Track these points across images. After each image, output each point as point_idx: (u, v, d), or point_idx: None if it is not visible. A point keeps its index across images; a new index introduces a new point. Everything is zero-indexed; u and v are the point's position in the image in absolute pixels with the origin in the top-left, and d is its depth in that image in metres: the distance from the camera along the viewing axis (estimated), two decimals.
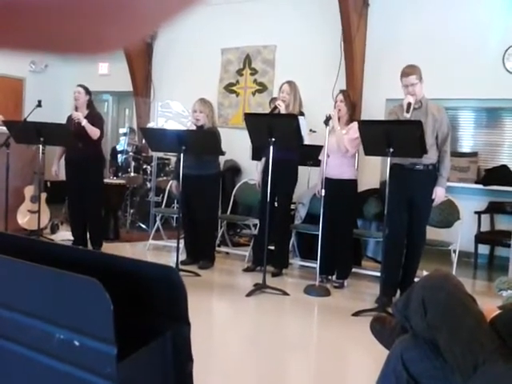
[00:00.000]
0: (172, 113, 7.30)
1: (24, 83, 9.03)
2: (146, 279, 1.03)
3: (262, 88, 7.35)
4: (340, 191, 4.55)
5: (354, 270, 4.91)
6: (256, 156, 5.68)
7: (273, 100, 5.65)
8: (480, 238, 5.79)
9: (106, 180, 6.07)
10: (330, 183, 4.50)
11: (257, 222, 5.36)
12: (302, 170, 5.42)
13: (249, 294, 4.28)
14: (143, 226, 6.81)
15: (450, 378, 1.67)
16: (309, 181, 6.05)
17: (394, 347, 1.84)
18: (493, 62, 5.78)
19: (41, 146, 5.01)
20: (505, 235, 5.76)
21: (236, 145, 6.62)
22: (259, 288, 4.38)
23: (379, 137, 3.87)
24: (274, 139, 4.31)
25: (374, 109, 6.15)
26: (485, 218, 5.95)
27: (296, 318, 3.98)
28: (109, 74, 8.76)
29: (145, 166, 7.24)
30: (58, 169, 5.50)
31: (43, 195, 5.80)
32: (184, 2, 0.34)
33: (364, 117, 6.08)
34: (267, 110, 5.64)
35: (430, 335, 1.72)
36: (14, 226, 5.60)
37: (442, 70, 5.83)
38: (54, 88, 8.85)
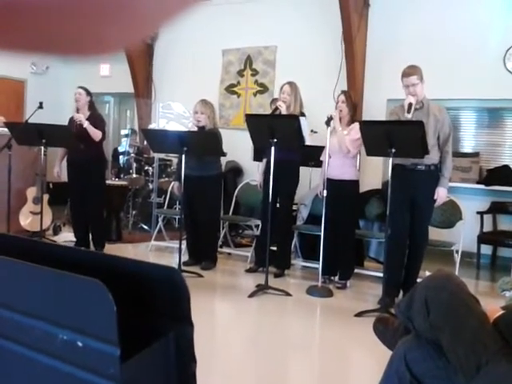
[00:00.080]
0: (173, 114, 7.31)
1: (25, 85, 9.05)
2: (149, 280, 1.03)
3: (263, 89, 7.36)
4: (342, 192, 4.54)
5: (356, 270, 4.90)
6: (257, 157, 5.68)
7: (274, 101, 5.65)
8: (482, 238, 5.78)
9: (107, 181, 6.07)
10: (331, 184, 4.49)
11: (259, 222, 5.36)
12: (304, 171, 5.41)
13: (251, 295, 4.28)
14: (145, 227, 6.82)
15: (453, 379, 1.67)
16: (310, 181, 6.05)
17: (396, 348, 1.84)
18: (494, 62, 5.77)
19: (42, 147, 5.02)
20: (507, 235, 5.76)
21: (237, 146, 6.62)
22: (261, 289, 4.38)
23: (381, 137, 3.87)
24: (275, 140, 4.32)
25: (375, 109, 6.15)
26: (487, 218, 5.94)
27: (298, 319, 3.98)
28: (110, 75, 8.77)
29: (146, 168, 7.25)
30: (60, 170, 5.51)
31: (45, 197, 5.81)
32: (184, 3, 0.34)
33: (365, 117, 6.07)
34: (268, 111, 5.64)
35: (433, 335, 1.72)
36: (16, 227, 5.61)
37: (443, 71, 5.82)
38: (55, 90, 8.86)
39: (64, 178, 5.51)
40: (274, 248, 4.92)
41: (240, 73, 7.56)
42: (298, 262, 5.52)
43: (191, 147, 4.58)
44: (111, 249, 5.61)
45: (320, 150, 4.84)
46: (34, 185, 6.01)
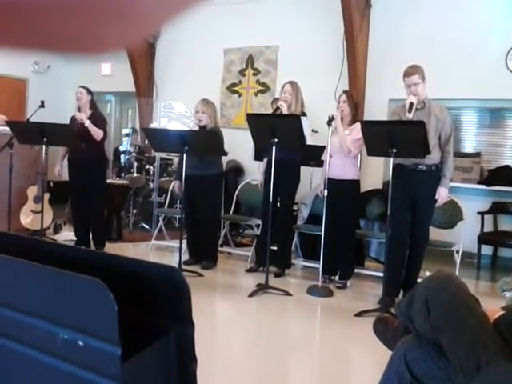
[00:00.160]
0: (175, 113, 7.31)
1: (27, 84, 9.05)
2: (149, 279, 1.03)
3: (265, 88, 7.35)
4: (343, 192, 4.54)
5: (356, 270, 4.90)
6: (258, 156, 5.68)
7: (275, 100, 5.65)
8: (483, 238, 5.78)
9: (108, 180, 6.07)
10: (332, 184, 4.49)
11: (259, 222, 5.36)
12: (305, 171, 5.41)
13: (251, 295, 4.28)
14: (146, 227, 6.82)
15: (453, 379, 1.67)
16: (311, 181, 6.05)
17: (397, 348, 1.84)
18: (495, 62, 5.77)
19: (44, 146, 5.02)
20: (508, 236, 5.75)
21: (239, 145, 6.62)
22: (262, 288, 4.38)
23: (382, 137, 3.87)
24: (276, 139, 4.32)
25: (377, 109, 6.15)
26: (488, 218, 5.93)
27: (299, 319, 3.98)
28: (111, 74, 8.77)
29: (147, 167, 7.25)
30: (61, 169, 5.51)
31: (46, 195, 5.81)
32: (185, 2, 0.34)
33: (366, 117, 6.07)
34: (269, 111, 5.64)
35: (433, 336, 1.72)
36: (16, 226, 5.61)
37: (445, 71, 5.82)
38: (56, 88, 8.87)
39: (65, 176, 5.52)
40: (275, 247, 4.92)
41: (241, 72, 7.56)
42: (298, 262, 5.52)
43: (192, 146, 4.58)
44: (112, 248, 5.61)
45: (321, 149, 4.84)
46: (34, 184, 6.01)
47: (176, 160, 6.63)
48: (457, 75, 5.91)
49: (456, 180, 5.68)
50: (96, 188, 5.33)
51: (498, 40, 5.72)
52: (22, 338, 1.02)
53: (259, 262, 5.06)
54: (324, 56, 6.73)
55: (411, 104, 3.97)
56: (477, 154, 6.21)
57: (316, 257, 4.80)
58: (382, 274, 4.21)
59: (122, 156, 7.49)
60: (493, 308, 1.80)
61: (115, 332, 0.86)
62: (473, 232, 5.60)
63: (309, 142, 4.44)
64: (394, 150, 3.84)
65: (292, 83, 4.88)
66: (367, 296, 4.58)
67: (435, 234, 4.77)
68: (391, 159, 3.93)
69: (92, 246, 5.43)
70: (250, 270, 5.14)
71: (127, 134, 7.68)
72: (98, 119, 5.28)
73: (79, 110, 5.32)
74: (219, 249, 5.59)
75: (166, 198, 6.47)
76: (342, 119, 4.66)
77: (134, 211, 6.98)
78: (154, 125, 7.35)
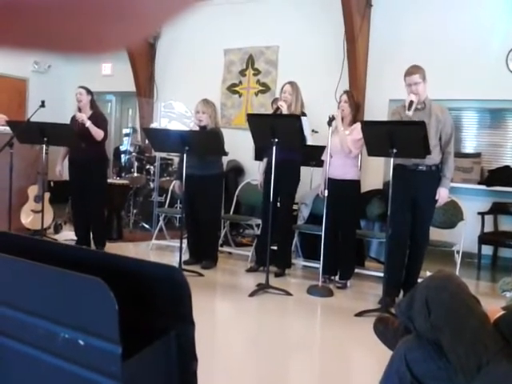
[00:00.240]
0: (175, 113, 7.31)
1: (27, 83, 9.05)
2: (150, 279, 1.03)
3: (265, 88, 7.36)
4: (343, 192, 4.54)
5: (356, 270, 4.90)
6: (259, 156, 5.68)
7: (275, 100, 5.65)
8: (483, 238, 5.78)
9: (109, 180, 6.08)
10: (333, 184, 4.49)
11: (259, 222, 5.36)
12: (305, 171, 5.41)
13: (251, 294, 4.28)
14: (146, 226, 6.82)
15: (453, 379, 1.67)
16: (311, 181, 6.05)
17: (397, 348, 1.84)
18: (496, 62, 5.77)
19: (44, 146, 5.02)
20: (508, 236, 5.75)
21: (239, 145, 6.62)
22: (262, 288, 4.38)
23: (382, 137, 3.87)
24: (276, 140, 4.32)
25: (377, 109, 6.15)
26: (488, 218, 5.94)
27: (299, 319, 3.98)
28: (112, 74, 8.78)
29: (148, 167, 7.26)
30: (61, 169, 5.51)
31: (47, 195, 5.82)
32: (185, 2, 0.34)
33: (367, 117, 6.07)
34: (270, 111, 5.64)
35: (434, 336, 1.72)
36: (17, 225, 5.62)
37: (445, 71, 5.82)
38: (57, 88, 8.87)
39: (66, 176, 5.52)
40: (275, 247, 4.92)
41: (242, 72, 7.56)
42: (298, 262, 5.52)
43: (193, 146, 4.58)
44: (112, 247, 5.61)
45: (321, 149, 4.84)
46: (35, 183, 6.01)
47: (176, 160, 6.64)
48: (457, 76, 5.91)
49: (456, 180, 5.68)
50: (96, 188, 5.33)
51: (498, 40, 5.72)
52: (22, 337, 1.02)
53: (259, 261, 5.07)
54: (324, 56, 6.73)
55: (411, 102, 3.97)
56: (477, 155, 6.21)
57: (316, 257, 4.80)
58: (382, 274, 4.21)
59: (122, 156, 7.49)
60: (493, 308, 1.80)
61: (116, 331, 0.87)
62: (473, 232, 5.60)
63: (309, 142, 4.44)
64: (395, 151, 3.84)
65: (292, 83, 4.88)
66: (367, 296, 4.58)
67: (435, 234, 4.77)
68: (391, 159, 3.93)
69: (92, 246, 5.43)
70: (250, 270, 5.14)
71: (127, 134, 7.69)
72: (98, 119, 5.28)
73: (80, 110, 5.32)
74: (219, 248, 5.59)
75: (166, 197, 6.48)
76: (342, 119, 4.66)
77: (135, 211, 6.99)
78: (154, 125, 7.35)
